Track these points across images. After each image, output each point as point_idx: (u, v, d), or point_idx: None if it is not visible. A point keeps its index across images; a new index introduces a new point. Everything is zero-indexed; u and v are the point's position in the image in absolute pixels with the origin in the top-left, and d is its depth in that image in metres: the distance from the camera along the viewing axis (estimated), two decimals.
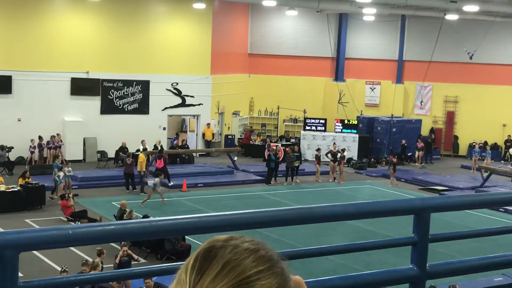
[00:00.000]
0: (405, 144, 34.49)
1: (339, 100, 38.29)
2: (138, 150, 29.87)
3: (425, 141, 35.43)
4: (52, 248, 2.45)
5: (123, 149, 30.28)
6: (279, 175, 28.64)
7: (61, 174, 23.53)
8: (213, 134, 34.47)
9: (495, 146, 37.28)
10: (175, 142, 33.38)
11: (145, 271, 3.04)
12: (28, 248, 2.30)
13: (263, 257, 1.45)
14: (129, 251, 15.52)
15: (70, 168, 24.51)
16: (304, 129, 35.01)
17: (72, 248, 16.12)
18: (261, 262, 1.44)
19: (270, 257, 1.47)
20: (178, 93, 33.48)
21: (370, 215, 3.19)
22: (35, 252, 15.19)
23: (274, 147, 29.78)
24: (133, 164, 25.88)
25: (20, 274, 2.22)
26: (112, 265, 15.36)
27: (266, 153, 29.69)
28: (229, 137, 35.83)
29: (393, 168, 28.74)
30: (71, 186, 24.20)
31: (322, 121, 34.85)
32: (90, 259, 15.37)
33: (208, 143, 34.04)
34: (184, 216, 2.54)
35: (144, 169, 25.70)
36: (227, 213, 2.65)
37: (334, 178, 29.30)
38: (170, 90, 33.23)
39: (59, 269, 16.00)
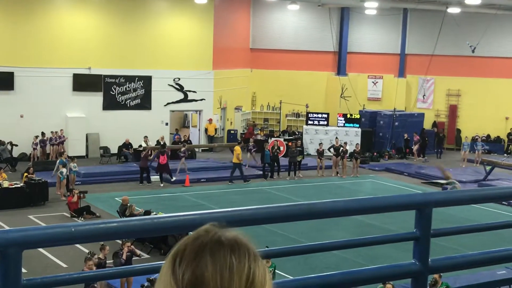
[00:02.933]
0: (408, 138, 34.49)
1: (342, 94, 38.27)
2: (140, 146, 29.96)
3: (436, 135, 35.53)
4: (56, 246, 2.46)
5: (126, 145, 30.34)
6: (282, 169, 28.63)
7: (64, 170, 23.56)
8: (215, 129, 34.48)
9: (497, 139, 37.27)
10: (176, 137, 33.40)
11: (150, 267, 3.05)
12: (31, 246, 2.32)
13: (242, 254, 1.49)
14: (131, 247, 15.52)
15: (75, 164, 24.55)
16: (307, 124, 35.00)
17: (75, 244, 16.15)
18: (244, 261, 1.48)
19: (247, 251, 1.51)
20: (180, 88, 33.49)
21: (372, 211, 3.20)
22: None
23: (272, 145, 29.58)
24: (147, 157, 26.08)
25: (23, 270, 2.24)
26: (112, 260, 15.35)
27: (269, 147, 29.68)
28: (232, 132, 35.86)
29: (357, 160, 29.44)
30: (74, 182, 24.23)
31: (325, 116, 34.83)
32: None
33: (210, 138, 34.08)
34: (186, 213, 2.55)
35: (241, 161, 26.93)
36: (229, 209, 2.67)
37: (337, 173, 29.31)
38: (172, 86, 33.24)
39: (63, 265, 16.07)
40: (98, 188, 24.67)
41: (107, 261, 14.75)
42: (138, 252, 16.01)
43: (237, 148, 27.21)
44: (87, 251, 15.88)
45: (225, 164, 30.00)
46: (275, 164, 28.47)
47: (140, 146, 29.96)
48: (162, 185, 25.92)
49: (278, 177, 28.31)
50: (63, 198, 22.89)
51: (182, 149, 27.91)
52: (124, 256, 15.26)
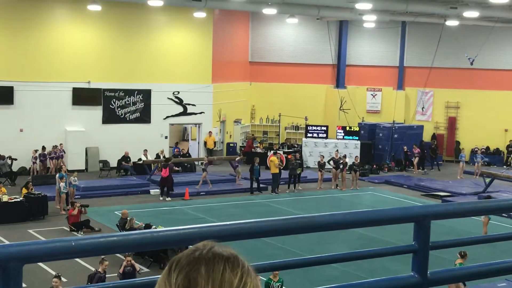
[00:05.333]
0: (407, 151, 34.51)
1: (341, 107, 38.33)
2: (139, 159, 30.02)
3: (429, 147, 35.48)
4: (56, 260, 2.47)
5: (125, 158, 30.35)
6: (281, 182, 28.58)
7: (62, 184, 23.54)
8: (214, 143, 34.49)
9: (497, 151, 37.29)
10: (175, 150, 33.42)
11: (150, 281, 3.06)
12: (32, 260, 2.33)
13: (236, 265, 1.54)
14: (132, 262, 15.51)
15: (75, 178, 24.55)
16: (306, 136, 35.03)
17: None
18: (236, 272, 1.52)
19: (241, 263, 1.55)
20: (180, 101, 33.54)
21: (370, 223, 3.21)
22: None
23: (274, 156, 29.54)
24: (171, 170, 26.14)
25: (23, 285, 2.25)
26: (116, 274, 15.36)
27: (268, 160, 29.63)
28: (231, 145, 35.87)
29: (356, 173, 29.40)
30: (73, 196, 24.20)
31: (324, 128, 34.86)
32: (93, 268, 15.40)
33: (210, 152, 34.07)
34: (186, 227, 2.56)
35: (277, 171, 27.61)
36: (228, 223, 2.68)
37: (337, 185, 29.29)
38: (171, 99, 33.29)
39: (62, 279, 16.02)
40: (98, 202, 24.65)
41: (106, 275, 14.72)
42: (138, 268, 15.92)
43: (274, 159, 27.87)
44: (87, 265, 15.89)
45: (224, 177, 30.00)
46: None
47: (140, 159, 30.04)
48: (162, 198, 25.92)
49: (277, 191, 28.17)
50: (62, 212, 22.85)
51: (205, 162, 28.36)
52: (120, 270, 15.23)
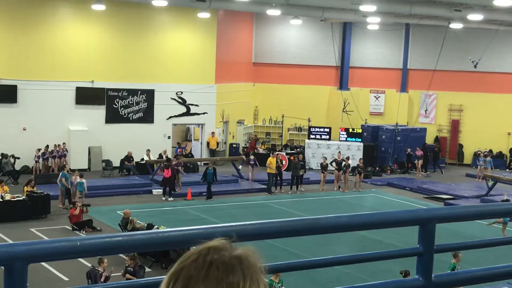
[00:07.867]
0: (410, 153, 34.48)
1: (344, 108, 38.31)
2: (142, 159, 30.04)
3: (431, 150, 35.45)
4: (61, 260, 2.47)
5: (128, 158, 30.35)
6: (284, 183, 28.60)
7: (84, 181, 23.82)
8: (217, 143, 34.49)
9: (500, 155, 37.24)
10: (178, 150, 33.42)
11: (152, 282, 3.05)
12: (37, 259, 2.33)
13: (236, 280, 1.51)
14: (128, 276, 15.06)
15: (77, 176, 24.61)
16: (309, 138, 35.02)
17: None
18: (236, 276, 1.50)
19: (242, 276, 1.52)
20: (183, 102, 33.55)
21: (375, 226, 3.21)
22: None
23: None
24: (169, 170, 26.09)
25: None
26: (119, 274, 15.33)
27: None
28: (234, 145, 35.86)
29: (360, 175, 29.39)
30: (75, 195, 24.23)
31: (327, 130, 34.84)
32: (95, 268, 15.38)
33: (212, 152, 34.07)
34: (191, 228, 2.56)
35: (272, 172, 27.83)
36: (233, 224, 2.68)
37: (339, 187, 29.27)
38: (174, 99, 33.30)
39: (64, 278, 16.05)
40: (100, 201, 24.65)
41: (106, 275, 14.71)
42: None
43: (272, 160, 28.07)
44: (89, 264, 15.88)
45: (227, 177, 29.99)
46: (277, 178, 28.40)
47: (143, 159, 30.06)
48: (164, 198, 25.93)
49: (279, 191, 28.26)
50: (60, 205, 23.13)
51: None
52: (124, 274, 15.10)
